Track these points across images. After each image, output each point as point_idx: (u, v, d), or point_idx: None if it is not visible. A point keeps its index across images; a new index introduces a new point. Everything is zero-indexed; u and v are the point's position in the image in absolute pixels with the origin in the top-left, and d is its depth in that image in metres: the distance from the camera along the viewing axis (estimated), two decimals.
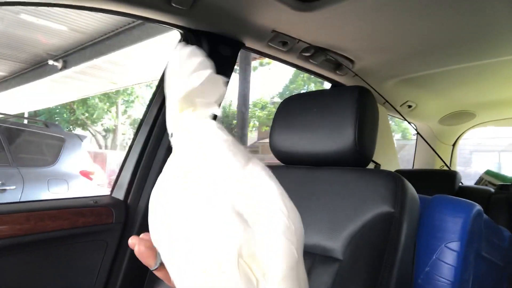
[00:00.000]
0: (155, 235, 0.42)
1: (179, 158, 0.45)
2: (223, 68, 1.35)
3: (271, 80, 24.91)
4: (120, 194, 1.27)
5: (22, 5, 1.04)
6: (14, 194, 3.71)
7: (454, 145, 2.80)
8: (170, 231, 0.40)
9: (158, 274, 0.45)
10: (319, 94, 1.14)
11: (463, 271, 0.94)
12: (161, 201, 0.43)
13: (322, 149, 1.03)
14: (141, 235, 0.48)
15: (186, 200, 0.39)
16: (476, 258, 1.00)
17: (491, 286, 1.09)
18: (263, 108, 15.33)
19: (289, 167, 1.09)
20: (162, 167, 1.34)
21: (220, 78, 0.46)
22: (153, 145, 1.28)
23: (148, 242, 0.46)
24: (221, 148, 0.42)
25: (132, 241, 0.47)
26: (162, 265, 0.43)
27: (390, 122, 2.58)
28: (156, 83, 1.39)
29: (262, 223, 0.38)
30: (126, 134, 15.14)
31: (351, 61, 1.59)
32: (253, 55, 6.16)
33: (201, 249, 0.36)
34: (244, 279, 0.35)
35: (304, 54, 1.48)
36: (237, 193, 0.39)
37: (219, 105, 0.48)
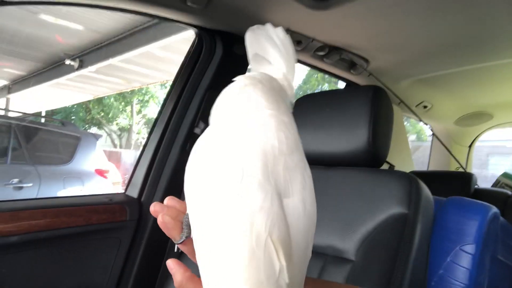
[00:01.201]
0: (189, 196, 0.39)
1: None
2: (238, 67, 1.35)
3: None
4: (134, 192, 1.28)
5: (39, 4, 1.06)
6: (31, 191, 3.78)
7: (470, 146, 2.75)
8: (205, 194, 0.37)
9: (182, 248, 0.42)
10: (333, 93, 1.14)
11: (478, 274, 0.92)
12: (198, 157, 0.40)
13: (335, 149, 1.02)
14: (166, 201, 0.44)
15: (225, 159, 0.37)
16: (492, 261, 0.98)
17: None
18: None
19: None
20: (176, 166, 1.35)
21: None
22: (167, 144, 1.29)
23: (174, 211, 0.42)
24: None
25: (155, 208, 0.42)
26: (187, 238, 0.40)
27: (405, 122, 2.55)
28: (170, 83, 1.40)
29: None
30: (140, 133, 15.28)
31: (366, 60, 1.57)
32: None
33: (225, 220, 0.34)
34: (267, 263, 0.33)
35: (318, 53, 1.47)
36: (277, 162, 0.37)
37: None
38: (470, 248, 0.92)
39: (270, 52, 0.45)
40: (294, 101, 0.48)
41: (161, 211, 0.42)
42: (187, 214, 0.40)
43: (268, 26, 0.46)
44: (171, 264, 0.41)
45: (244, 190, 0.35)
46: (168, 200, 0.44)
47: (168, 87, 1.38)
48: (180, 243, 0.41)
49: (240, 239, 0.33)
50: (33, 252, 1.02)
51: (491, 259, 0.97)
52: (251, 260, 0.33)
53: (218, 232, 0.35)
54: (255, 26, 0.47)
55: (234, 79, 0.46)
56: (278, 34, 0.46)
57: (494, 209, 0.98)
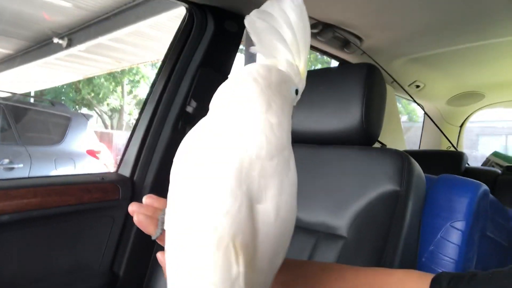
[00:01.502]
0: (169, 189, 0.40)
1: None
2: (229, 44, 1.33)
3: None
4: (126, 171, 1.28)
5: None
6: (22, 172, 3.75)
7: (461, 126, 2.78)
8: (178, 192, 0.38)
9: (160, 242, 0.44)
10: (326, 71, 1.13)
11: (467, 250, 0.94)
12: (180, 155, 0.41)
13: (328, 128, 1.02)
14: (144, 200, 0.47)
15: (198, 157, 0.38)
16: (481, 238, 1.00)
17: (495, 266, 1.09)
18: None
19: (295, 146, 1.08)
20: (168, 144, 1.34)
21: None
22: (158, 122, 1.27)
23: (149, 210, 0.45)
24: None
25: (132, 208, 0.45)
26: (161, 234, 0.43)
27: (397, 103, 2.56)
28: (160, 62, 1.38)
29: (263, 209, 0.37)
30: (132, 114, 15.16)
31: (359, 38, 1.56)
32: None
33: (193, 217, 0.35)
34: (224, 267, 0.34)
35: (311, 30, 1.45)
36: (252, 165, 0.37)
37: None
38: (460, 224, 0.94)
39: (276, 35, 0.43)
40: (302, 86, 0.47)
41: (137, 211, 0.45)
42: (163, 210, 0.42)
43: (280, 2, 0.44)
44: (161, 257, 0.44)
45: (213, 193, 0.35)
46: (147, 199, 0.47)
47: (159, 67, 1.36)
48: (155, 238, 0.44)
49: (202, 239, 0.34)
50: (25, 231, 1.02)
51: (480, 235, 0.99)
52: (209, 261, 0.34)
53: (185, 229, 0.36)
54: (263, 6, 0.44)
55: (230, 75, 0.45)
56: (289, 12, 0.44)
57: (484, 187, 0.99)
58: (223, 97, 0.43)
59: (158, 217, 0.45)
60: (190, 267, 0.35)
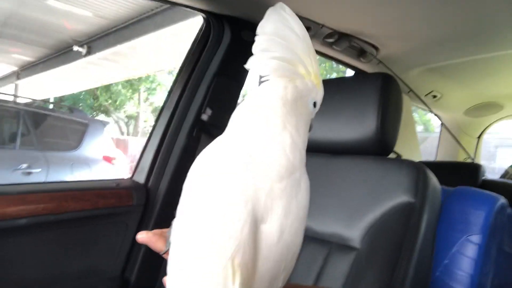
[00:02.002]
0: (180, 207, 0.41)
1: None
2: (246, 53, 1.33)
3: None
4: (141, 178, 1.29)
5: None
6: (39, 177, 3.82)
7: (479, 137, 2.72)
8: (186, 207, 0.39)
9: (167, 257, 0.44)
10: (341, 81, 1.13)
11: (483, 265, 0.92)
12: (194, 173, 0.41)
13: (342, 137, 1.01)
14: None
15: (210, 180, 0.39)
16: (498, 252, 0.98)
17: None
18: None
19: (308, 155, 1.08)
20: (183, 152, 1.35)
21: None
22: (174, 130, 1.29)
23: (158, 231, 0.48)
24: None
25: (141, 236, 0.47)
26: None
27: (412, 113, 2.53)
28: (177, 70, 1.40)
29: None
30: (147, 121, 15.33)
31: (376, 48, 1.55)
32: None
33: (199, 236, 0.36)
34: (219, 285, 0.34)
35: (327, 40, 1.45)
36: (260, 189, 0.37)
37: None
38: (476, 238, 0.92)
39: (291, 51, 0.43)
40: (320, 97, 0.47)
41: (145, 233, 0.47)
42: (171, 227, 0.42)
43: (283, 17, 0.44)
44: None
45: (218, 210, 0.36)
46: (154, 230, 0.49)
47: (175, 75, 1.38)
48: (164, 253, 0.45)
49: (202, 256, 0.35)
50: (41, 235, 1.04)
51: (497, 249, 0.97)
52: (206, 278, 0.34)
53: (187, 243, 0.36)
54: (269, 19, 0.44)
55: (248, 96, 0.45)
56: (295, 26, 0.44)
57: (502, 200, 0.97)
58: (239, 118, 0.43)
59: (167, 233, 0.46)
60: (187, 281, 0.35)
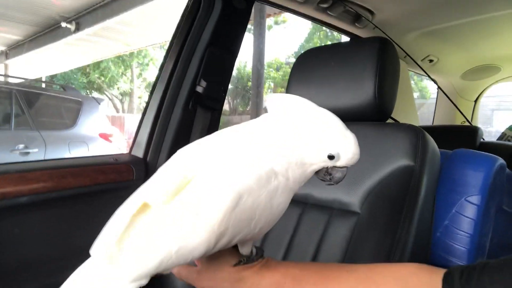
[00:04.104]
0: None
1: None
2: (238, 22, 1.31)
3: (286, 39, 24.37)
4: (139, 152, 1.29)
5: None
6: (37, 156, 3.81)
7: (476, 101, 2.72)
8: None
9: None
10: (337, 47, 1.10)
11: (483, 225, 0.93)
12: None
13: (340, 104, 1.00)
14: None
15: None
16: (497, 212, 0.99)
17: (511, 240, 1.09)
18: (278, 68, 15.09)
19: None
20: (180, 125, 1.33)
21: None
22: (169, 103, 1.27)
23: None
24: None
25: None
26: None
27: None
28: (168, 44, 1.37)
29: None
30: (142, 97, 15.21)
31: (371, 12, 1.52)
32: (268, 11, 5.97)
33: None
34: None
35: (321, 5, 1.42)
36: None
37: None
38: (475, 199, 0.93)
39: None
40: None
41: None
42: None
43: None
44: None
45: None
46: None
47: (167, 48, 1.35)
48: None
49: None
50: (43, 212, 1.04)
51: (496, 209, 0.98)
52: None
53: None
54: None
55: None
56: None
57: (501, 161, 0.97)
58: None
59: None
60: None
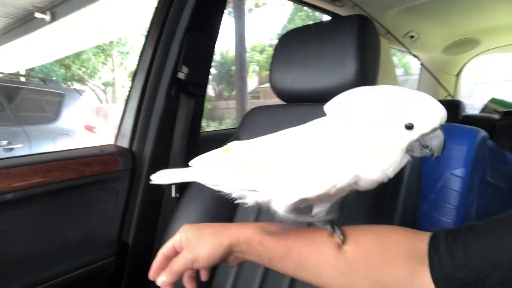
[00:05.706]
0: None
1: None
2: (216, 4, 1.28)
3: (268, 22, 24.14)
4: (124, 142, 1.27)
5: None
6: (22, 152, 3.74)
7: (458, 75, 2.75)
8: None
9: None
10: (318, 26, 1.10)
11: (468, 196, 0.95)
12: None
13: (323, 84, 1.00)
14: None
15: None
16: (481, 183, 1.01)
17: (495, 210, 1.11)
18: (262, 51, 14.97)
19: (291, 105, 1.07)
20: (163, 113, 1.32)
21: None
22: (151, 91, 1.26)
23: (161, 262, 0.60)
24: None
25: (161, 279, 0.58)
26: None
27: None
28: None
29: None
30: (125, 87, 14.96)
31: None
32: None
33: None
34: None
35: None
36: None
37: None
38: (460, 171, 0.95)
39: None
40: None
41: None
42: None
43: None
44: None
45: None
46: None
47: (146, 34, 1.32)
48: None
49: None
50: (31, 208, 1.02)
51: (480, 181, 1.00)
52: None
53: None
54: None
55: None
56: None
57: (483, 133, 0.99)
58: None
59: None
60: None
